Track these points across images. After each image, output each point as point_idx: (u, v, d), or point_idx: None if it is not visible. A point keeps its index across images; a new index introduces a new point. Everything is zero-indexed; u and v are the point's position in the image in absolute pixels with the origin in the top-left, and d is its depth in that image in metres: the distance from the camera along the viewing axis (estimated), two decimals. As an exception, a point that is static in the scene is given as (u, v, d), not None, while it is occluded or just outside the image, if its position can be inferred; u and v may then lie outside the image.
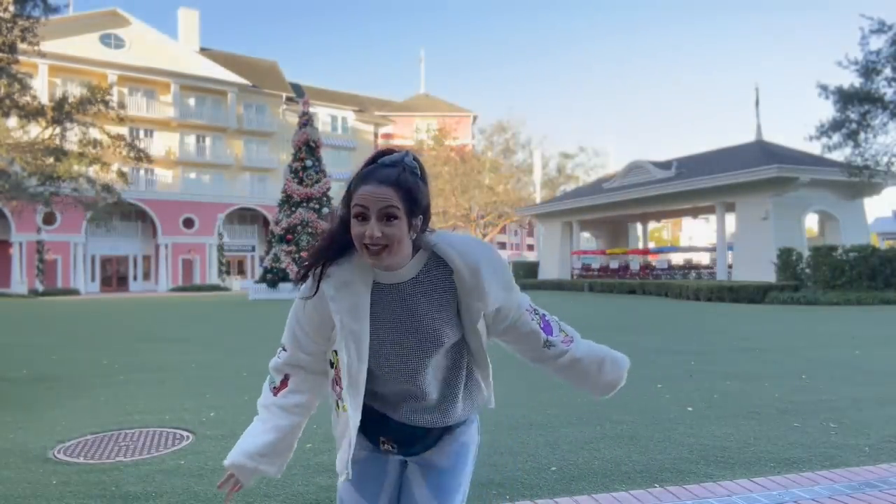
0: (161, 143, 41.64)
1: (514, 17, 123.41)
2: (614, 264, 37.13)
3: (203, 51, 45.92)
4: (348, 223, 1.35)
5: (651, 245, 45.88)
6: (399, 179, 1.30)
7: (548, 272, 37.58)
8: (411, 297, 1.39)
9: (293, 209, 25.71)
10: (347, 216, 1.35)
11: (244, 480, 1.43)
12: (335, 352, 1.42)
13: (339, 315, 1.36)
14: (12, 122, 27.96)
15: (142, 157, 33.25)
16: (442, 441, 1.51)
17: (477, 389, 1.56)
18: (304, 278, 1.42)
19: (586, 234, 43.04)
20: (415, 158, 1.37)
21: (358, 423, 1.41)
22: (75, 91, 31.51)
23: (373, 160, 1.37)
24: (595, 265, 38.41)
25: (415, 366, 1.42)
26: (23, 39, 23.98)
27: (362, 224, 1.29)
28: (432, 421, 1.47)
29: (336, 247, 1.39)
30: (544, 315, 1.59)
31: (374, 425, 1.48)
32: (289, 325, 1.47)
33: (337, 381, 1.43)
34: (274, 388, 1.50)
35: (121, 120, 32.55)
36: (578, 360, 1.61)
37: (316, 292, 1.38)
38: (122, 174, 32.41)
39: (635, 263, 37.08)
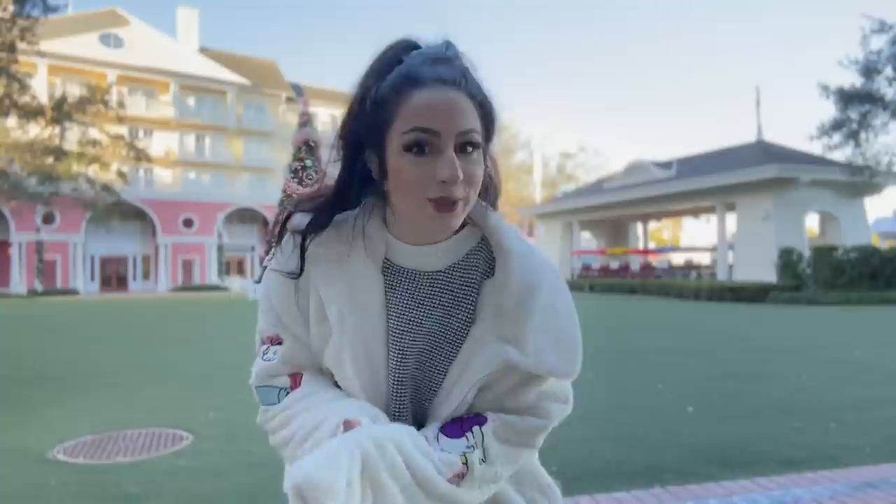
0: (160, 143, 41.60)
1: (513, 16, 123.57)
2: (615, 264, 37.15)
3: (202, 50, 45.88)
4: (358, 167, 0.84)
5: (651, 245, 45.90)
6: (469, 81, 0.79)
7: (548, 272, 37.51)
8: (441, 296, 0.87)
9: (293, 209, 25.72)
10: (372, 157, 0.82)
11: None
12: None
13: (336, 304, 0.82)
14: (11, 121, 27.96)
15: (141, 156, 33.34)
16: None
17: None
18: (279, 238, 0.88)
19: (586, 234, 43.07)
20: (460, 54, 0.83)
21: None
22: (75, 91, 31.53)
23: (393, 56, 0.81)
24: (595, 265, 38.43)
25: (423, 415, 0.88)
26: (22, 39, 24.01)
27: (423, 160, 0.76)
28: None
29: (340, 206, 0.87)
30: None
31: None
32: (269, 307, 0.88)
33: None
34: (286, 392, 0.87)
35: (120, 120, 32.61)
36: None
37: (301, 271, 0.84)
38: (121, 174, 32.47)
39: (636, 263, 37.10)
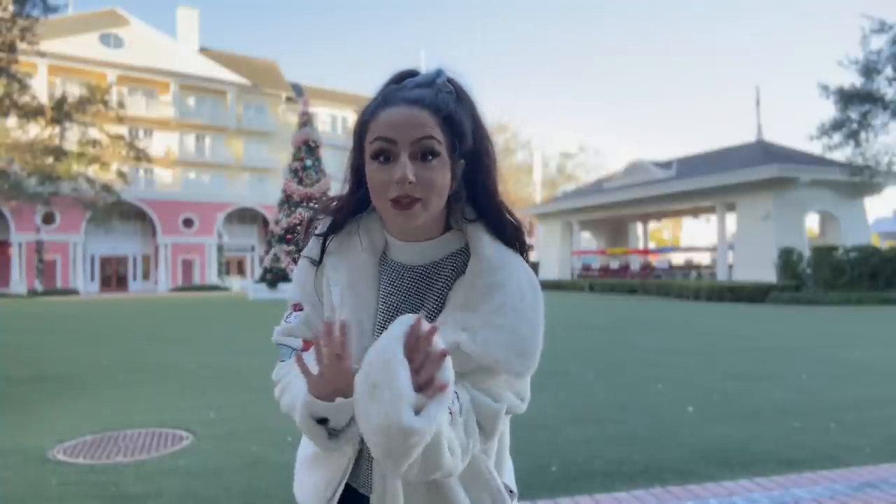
0: (160, 143, 41.60)
1: (513, 17, 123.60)
2: (615, 264, 37.15)
3: (202, 50, 45.86)
4: (360, 180, 0.98)
5: (651, 245, 45.89)
6: (437, 101, 0.91)
7: (548, 272, 37.60)
8: (417, 287, 0.99)
9: (293, 209, 25.71)
10: (361, 162, 0.96)
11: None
12: None
13: (340, 287, 1.00)
14: (12, 121, 27.96)
15: (141, 156, 33.32)
16: None
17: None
18: (306, 236, 1.09)
19: (586, 234, 43.05)
20: (450, 80, 0.96)
21: (355, 448, 0.97)
22: (75, 91, 31.52)
23: (391, 83, 0.97)
24: (595, 265, 38.42)
25: None
26: (22, 39, 23.99)
27: (385, 167, 0.89)
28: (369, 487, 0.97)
29: (346, 211, 1.04)
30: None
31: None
32: (296, 282, 1.09)
33: None
34: (297, 352, 0.98)
35: (120, 119, 32.61)
36: None
37: (321, 261, 1.04)
38: (121, 174, 32.46)
39: (636, 263, 37.10)
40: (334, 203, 1.05)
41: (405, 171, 0.87)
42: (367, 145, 0.91)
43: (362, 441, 0.96)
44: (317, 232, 1.06)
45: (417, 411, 0.72)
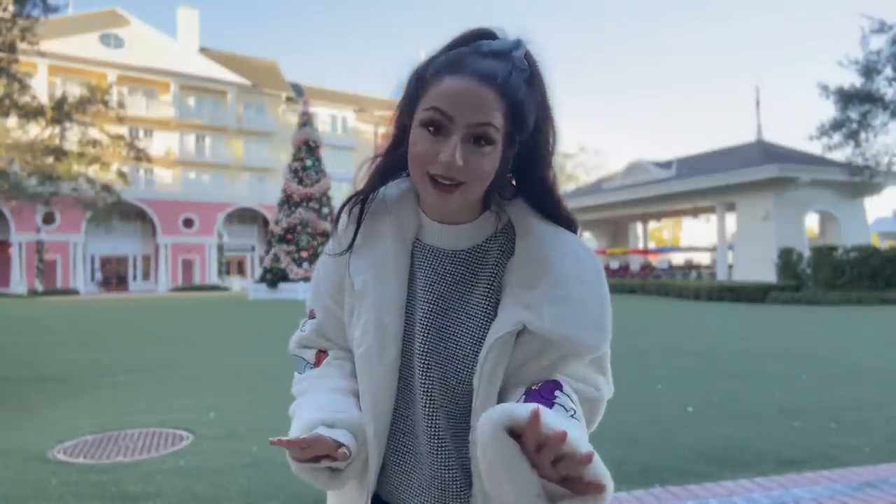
0: (161, 143, 41.58)
1: (513, 17, 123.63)
2: (614, 264, 37.15)
3: (203, 50, 45.85)
4: (404, 136, 0.88)
5: (651, 245, 45.89)
6: (509, 81, 0.81)
7: (548, 272, 37.50)
8: (463, 273, 0.91)
9: (293, 209, 25.72)
10: (408, 123, 0.86)
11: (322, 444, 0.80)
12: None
13: (363, 274, 0.90)
14: (12, 121, 27.95)
15: (141, 156, 33.31)
16: None
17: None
18: (336, 222, 0.97)
19: (586, 234, 43.00)
20: (527, 55, 0.85)
21: (379, 457, 0.90)
22: (75, 91, 31.51)
23: (464, 41, 0.86)
24: (595, 265, 38.31)
25: (453, 392, 0.87)
26: (22, 39, 23.96)
27: (435, 139, 0.81)
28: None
29: (383, 175, 0.94)
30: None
31: (401, 475, 0.93)
32: (313, 284, 1.01)
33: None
34: (310, 366, 0.98)
35: (120, 120, 32.60)
36: None
37: (352, 245, 0.93)
38: (121, 174, 32.46)
39: (636, 263, 37.11)
40: (370, 163, 0.95)
41: (455, 156, 0.79)
42: (420, 110, 0.82)
43: (391, 453, 0.92)
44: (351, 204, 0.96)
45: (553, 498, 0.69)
